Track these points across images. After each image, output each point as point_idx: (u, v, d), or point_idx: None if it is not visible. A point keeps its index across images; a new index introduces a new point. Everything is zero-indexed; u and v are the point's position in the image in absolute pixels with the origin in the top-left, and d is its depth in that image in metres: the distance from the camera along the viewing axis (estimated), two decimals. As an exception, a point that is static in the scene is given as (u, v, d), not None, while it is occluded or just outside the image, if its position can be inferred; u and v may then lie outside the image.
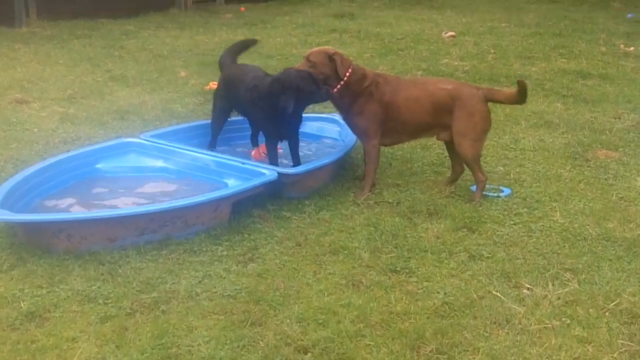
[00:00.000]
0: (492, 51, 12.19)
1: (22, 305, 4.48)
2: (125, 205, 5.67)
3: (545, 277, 4.88)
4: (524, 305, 4.52)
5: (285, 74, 6.07)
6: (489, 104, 6.16)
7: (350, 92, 6.11)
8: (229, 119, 6.88)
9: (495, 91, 6.41)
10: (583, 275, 4.91)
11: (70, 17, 13.86)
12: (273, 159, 6.27)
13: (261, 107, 6.18)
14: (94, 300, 4.56)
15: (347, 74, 6.07)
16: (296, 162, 6.39)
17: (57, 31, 12.96)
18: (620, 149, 7.37)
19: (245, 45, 7.44)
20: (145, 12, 14.89)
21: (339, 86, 6.06)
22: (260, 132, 6.68)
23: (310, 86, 5.95)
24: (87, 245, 5.08)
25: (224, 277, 4.85)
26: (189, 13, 15.38)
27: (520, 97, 6.06)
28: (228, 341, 4.16)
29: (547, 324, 4.33)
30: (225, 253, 5.18)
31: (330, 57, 6.06)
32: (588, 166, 6.93)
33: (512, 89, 6.19)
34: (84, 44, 12.08)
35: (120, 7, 14.61)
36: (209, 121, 6.93)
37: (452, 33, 13.51)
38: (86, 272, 4.86)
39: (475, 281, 4.82)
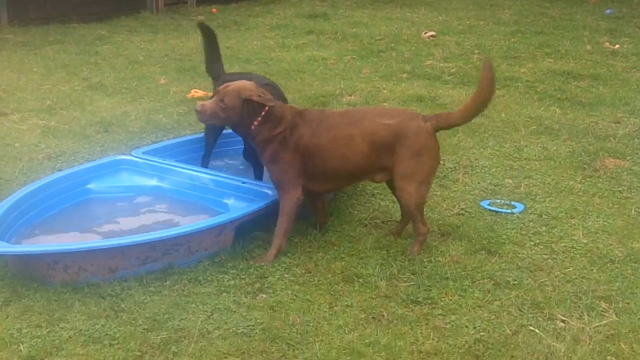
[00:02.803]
0: (476, 51, 11.94)
1: (22, 348, 4.16)
2: (123, 230, 5.37)
3: (579, 307, 4.61)
4: (563, 342, 4.23)
5: None
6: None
7: (261, 137, 5.21)
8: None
9: (444, 116, 5.34)
10: (619, 305, 4.65)
11: (41, 22, 13.38)
12: (260, 174, 6.09)
13: None
14: (99, 341, 4.24)
15: (258, 120, 5.19)
16: None
17: (29, 37, 12.51)
18: (628, 158, 7.13)
19: (213, 42, 6.93)
20: (117, 16, 14.44)
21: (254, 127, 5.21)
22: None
23: None
24: (85, 276, 4.76)
25: (235, 311, 4.54)
26: (160, 16, 14.95)
27: (479, 104, 5.17)
28: (249, 388, 3.87)
29: (593, 364, 4.06)
30: (232, 282, 4.87)
31: (245, 100, 5.14)
32: (599, 177, 6.68)
33: (465, 103, 5.29)
34: (57, 50, 11.67)
35: (90, 11, 14.16)
36: (202, 135, 6.57)
37: (432, 33, 13.25)
38: (87, 307, 4.54)
39: (505, 313, 4.54)
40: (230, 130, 6.22)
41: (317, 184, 5.33)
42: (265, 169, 5.53)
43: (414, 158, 5.11)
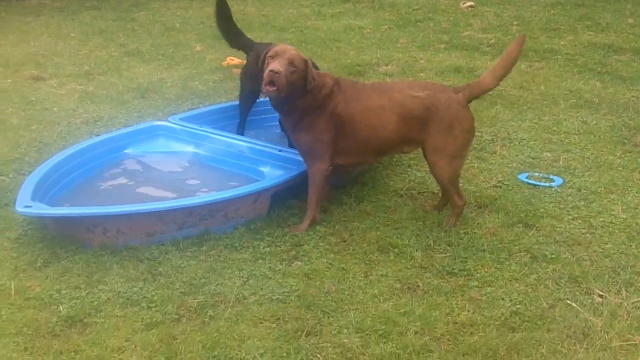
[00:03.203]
0: (515, 22, 11.81)
1: (61, 308, 4.22)
2: (160, 196, 5.38)
3: (617, 282, 4.57)
4: (599, 316, 4.20)
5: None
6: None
7: (303, 104, 5.13)
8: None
9: (475, 84, 5.19)
10: (658, 280, 4.61)
11: (78, -13, 13.42)
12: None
13: None
14: (136, 303, 4.28)
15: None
16: None
17: (66, 3, 12.59)
18: (670, 132, 7.03)
19: (226, 11, 6.85)
20: (154, -19, 14.43)
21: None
22: None
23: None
24: (124, 240, 4.81)
25: (270, 278, 4.56)
26: (198, -18, 14.94)
27: (507, 65, 5.15)
28: (284, 354, 3.89)
29: (630, 339, 4.02)
30: (268, 250, 4.88)
31: (306, 62, 5.05)
32: (639, 152, 6.58)
33: (492, 67, 5.22)
34: (94, 16, 11.72)
35: (128, -24, 14.14)
36: (237, 103, 6.57)
37: (471, 3, 13.12)
38: (125, 270, 4.59)
39: (542, 287, 4.51)
40: (264, 99, 6.23)
41: (345, 157, 5.27)
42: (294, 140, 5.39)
43: (446, 131, 5.02)
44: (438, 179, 5.20)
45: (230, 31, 6.58)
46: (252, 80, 6.32)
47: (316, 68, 5.67)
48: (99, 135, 6.42)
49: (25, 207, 4.70)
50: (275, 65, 4.89)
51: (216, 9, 6.63)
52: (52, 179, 5.29)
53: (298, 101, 5.10)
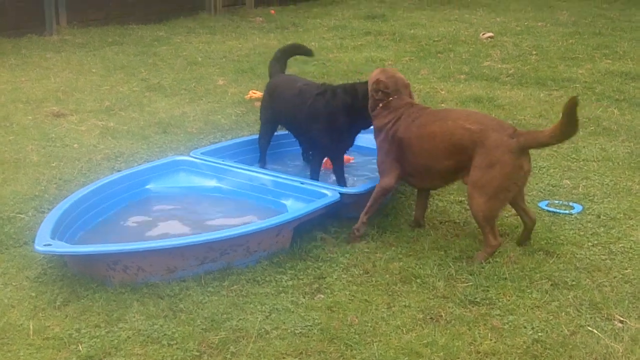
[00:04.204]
0: (534, 52, 11.88)
1: (81, 348, 4.19)
2: (181, 231, 5.42)
3: (637, 307, 4.57)
4: (620, 342, 4.20)
5: (361, 85, 5.90)
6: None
7: (377, 122, 5.60)
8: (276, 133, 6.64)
9: (534, 135, 5.15)
10: (678, 305, 4.60)
11: (100, 23, 13.58)
12: (315, 174, 6.08)
13: (323, 114, 5.95)
14: (157, 341, 4.26)
15: (380, 105, 5.59)
16: (341, 181, 6.17)
17: (88, 38, 12.67)
18: (688, 158, 7.04)
19: (298, 50, 7.18)
20: (175, 17, 14.60)
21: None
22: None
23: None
24: (144, 276, 4.80)
25: (293, 312, 4.55)
26: (219, 17, 15.08)
27: (569, 127, 4.92)
28: (307, 388, 3.88)
29: (652, 364, 4.01)
30: (290, 283, 4.88)
31: (376, 82, 5.59)
32: (657, 178, 6.60)
33: (556, 124, 5.02)
34: (116, 51, 11.82)
35: (150, 12, 14.32)
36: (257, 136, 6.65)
37: (490, 34, 13.20)
38: (146, 307, 4.57)
39: (563, 313, 4.51)
40: (285, 132, 6.31)
41: (416, 180, 5.56)
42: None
43: (486, 169, 5.03)
44: (473, 213, 5.20)
45: (274, 65, 6.80)
46: (267, 111, 6.41)
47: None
48: (120, 171, 6.45)
49: (45, 245, 4.68)
50: None
51: (288, 46, 7.14)
52: (72, 216, 5.29)
53: (372, 117, 5.61)
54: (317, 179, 6.04)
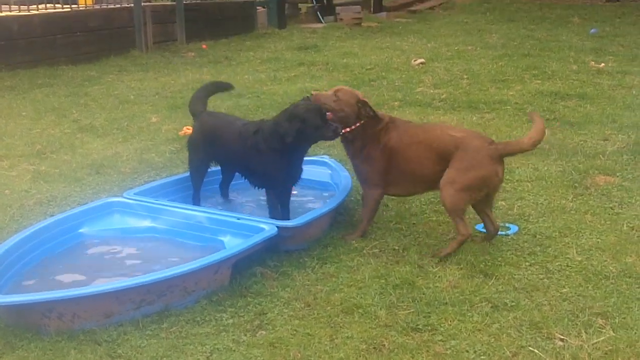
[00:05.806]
0: (465, 76, 12.04)
1: (17, 406, 4.07)
2: (117, 274, 5.30)
3: (576, 324, 4.61)
4: (562, 360, 4.22)
5: (293, 105, 5.84)
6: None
7: (362, 135, 5.81)
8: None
9: (514, 143, 5.71)
10: (616, 320, 4.65)
11: (29, 65, 13.38)
12: (276, 213, 5.96)
13: (265, 151, 5.83)
14: (95, 390, 4.16)
15: (361, 122, 5.80)
16: (286, 213, 6.07)
17: (17, 81, 12.48)
18: (617, 174, 7.22)
19: (218, 88, 7.11)
20: (106, 56, 14.48)
21: (353, 127, 5.79)
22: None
23: (316, 120, 5.62)
24: (80, 323, 4.68)
25: (234, 350, 4.48)
26: (150, 54, 15.01)
27: (542, 132, 5.49)
28: None
29: (593, 382, 4.03)
30: (231, 321, 4.81)
31: (358, 100, 5.80)
32: (590, 195, 6.74)
33: (528, 134, 5.55)
34: (46, 93, 11.65)
35: (79, 52, 14.20)
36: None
37: (422, 60, 13.35)
38: (83, 355, 4.44)
39: (504, 335, 4.52)
40: (217, 168, 6.25)
41: (397, 187, 5.92)
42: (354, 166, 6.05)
43: (462, 170, 5.46)
44: (442, 203, 5.61)
45: (196, 101, 6.66)
46: (202, 150, 6.33)
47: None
48: (52, 215, 6.30)
49: (-26, 297, 4.55)
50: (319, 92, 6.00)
51: (207, 85, 6.97)
52: (4, 265, 5.14)
53: (351, 132, 5.81)
54: (279, 217, 5.93)
